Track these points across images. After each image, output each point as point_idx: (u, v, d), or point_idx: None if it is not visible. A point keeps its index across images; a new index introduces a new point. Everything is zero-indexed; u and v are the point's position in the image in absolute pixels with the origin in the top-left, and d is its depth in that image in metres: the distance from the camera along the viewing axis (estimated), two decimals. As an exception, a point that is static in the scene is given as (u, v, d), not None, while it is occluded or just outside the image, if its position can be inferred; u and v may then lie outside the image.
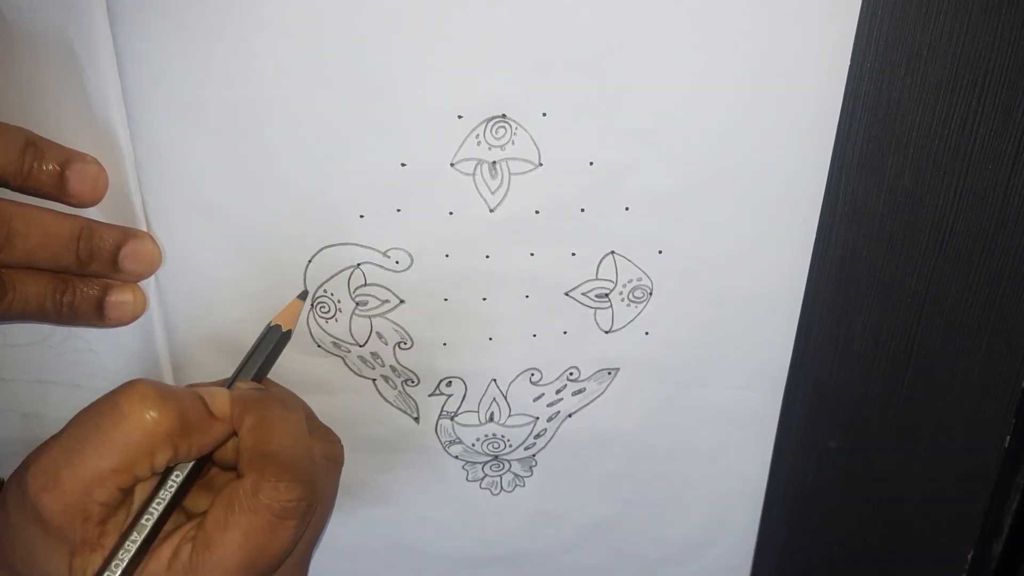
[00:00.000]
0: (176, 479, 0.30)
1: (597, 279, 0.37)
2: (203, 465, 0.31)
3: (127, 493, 0.29)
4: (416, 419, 0.40)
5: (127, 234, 0.34)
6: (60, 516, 0.27)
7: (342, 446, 0.33)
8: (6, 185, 0.31)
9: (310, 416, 0.33)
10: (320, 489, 0.30)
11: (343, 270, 0.36)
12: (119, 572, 0.28)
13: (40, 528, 0.27)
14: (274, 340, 0.34)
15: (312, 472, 0.29)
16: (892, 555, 0.45)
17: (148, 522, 0.29)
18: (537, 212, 0.35)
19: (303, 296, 0.35)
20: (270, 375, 0.35)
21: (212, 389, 0.31)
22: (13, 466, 0.41)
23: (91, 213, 0.33)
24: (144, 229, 0.34)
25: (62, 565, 0.28)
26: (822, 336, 0.39)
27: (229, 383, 0.33)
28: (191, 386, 0.33)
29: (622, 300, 0.37)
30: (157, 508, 0.29)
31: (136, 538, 0.28)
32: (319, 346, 0.37)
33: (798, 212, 0.36)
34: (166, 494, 0.29)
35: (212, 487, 0.32)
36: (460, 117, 0.33)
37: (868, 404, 0.41)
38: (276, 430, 0.29)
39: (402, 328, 0.37)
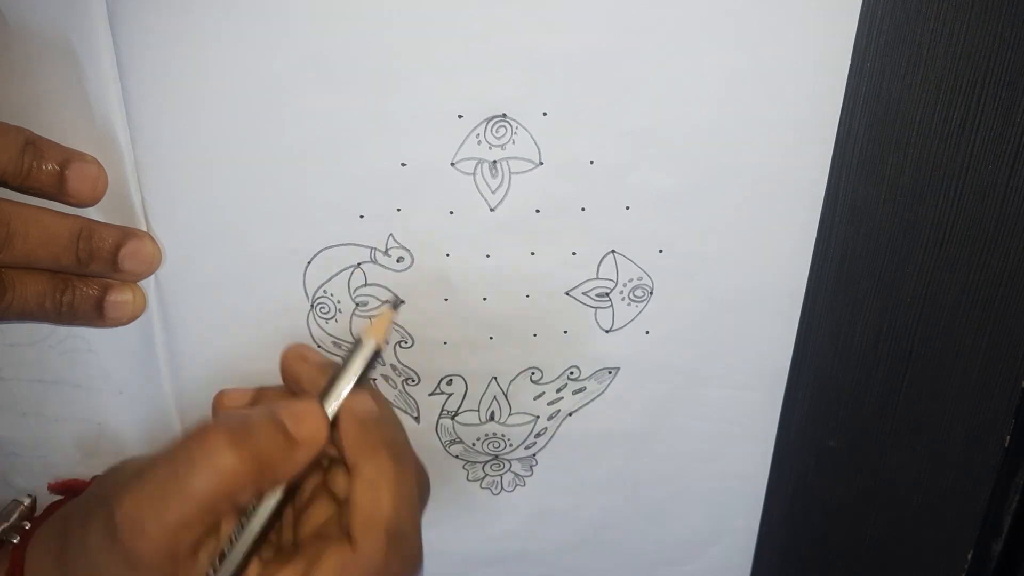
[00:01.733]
0: (260, 509, 0.29)
1: (597, 278, 0.37)
2: (296, 487, 0.30)
3: (216, 526, 0.28)
4: (416, 418, 0.40)
5: (127, 234, 0.34)
6: (149, 558, 0.27)
7: (428, 478, 0.32)
8: (5, 185, 0.31)
9: (415, 458, 0.31)
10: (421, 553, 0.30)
11: (343, 270, 0.36)
12: None
13: (130, 570, 0.27)
14: (368, 357, 0.29)
15: (419, 545, 0.29)
16: (892, 555, 0.45)
17: (238, 552, 0.28)
18: (537, 211, 0.35)
19: (395, 305, 0.31)
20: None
21: (300, 409, 0.28)
22: (13, 466, 0.42)
23: (91, 213, 0.33)
24: (144, 229, 0.34)
25: None
26: (822, 336, 0.39)
27: (324, 392, 0.29)
28: (265, 391, 0.31)
29: (622, 299, 0.37)
30: (239, 535, 0.28)
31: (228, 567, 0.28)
32: (319, 346, 0.37)
33: (798, 212, 0.36)
34: (250, 521, 0.29)
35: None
36: (460, 116, 0.33)
37: (868, 404, 0.41)
38: (393, 492, 0.28)
39: (402, 327, 0.37)
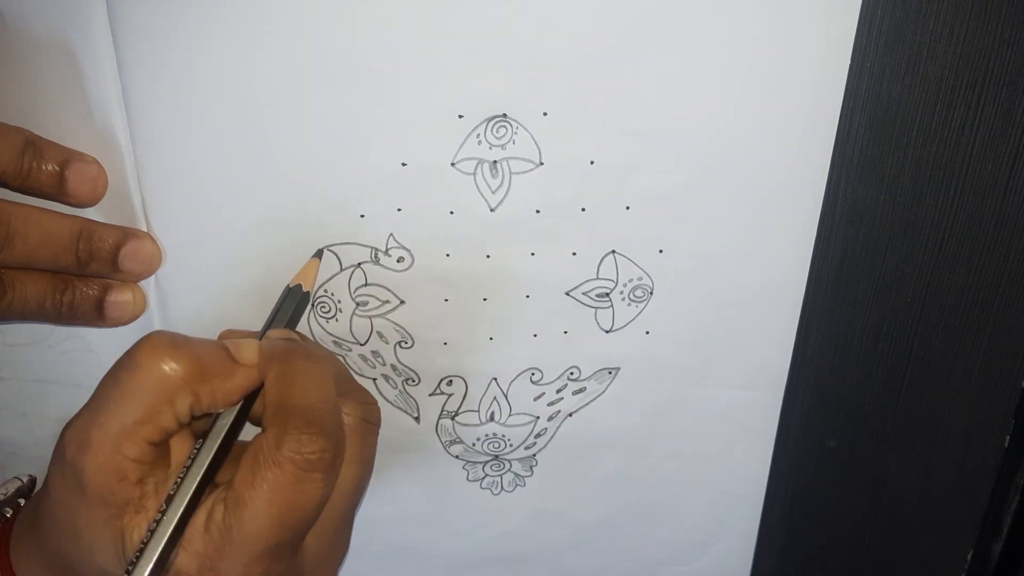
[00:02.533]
0: (214, 425, 0.29)
1: (598, 278, 0.37)
2: (242, 418, 0.30)
3: (159, 449, 0.28)
4: (416, 419, 0.40)
5: (127, 234, 0.34)
6: (96, 477, 0.27)
7: (378, 408, 0.33)
8: (5, 185, 0.31)
9: (343, 376, 0.32)
10: (355, 449, 0.30)
11: (343, 270, 0.36)
12: (168, 530, 0.27)
13: (81, 494, 0.27)
14: (295, 300, 0.33)
15: (336, 424, 0.29)
16: (892, 555, 0.45)
17: (185, 475, 0.28)
18: (538, 211, 0.35)
19: (319, 255, 0.35)
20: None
21: (240, 340, 0.31)
22: (13, 466, 0.42)
23: (90, 213, 0.33)
24: (144, 229, 0.34)
25: (106, 531, 0.28)
26: (822, 336, 0.39)
27: (260, 336, 0.32)
28: (222, 338, 0.33)
29: (623, 299, 0.37)
30: (193, 460, 0.29)
31: (175, 491, 0.28)
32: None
33: (798, 212, 0.36)
34: (202, 446, 0.29)
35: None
36: (461, 116, 0.33)
37: (868, 404, 0.41)
38: (299, 382, 0.29)
39: (403, 328, 0.37)
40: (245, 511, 0.27)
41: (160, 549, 0.27)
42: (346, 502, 0.30)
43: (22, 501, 0.35)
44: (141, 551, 0.27)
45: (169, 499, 0.28)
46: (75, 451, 0.27)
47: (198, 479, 0.28)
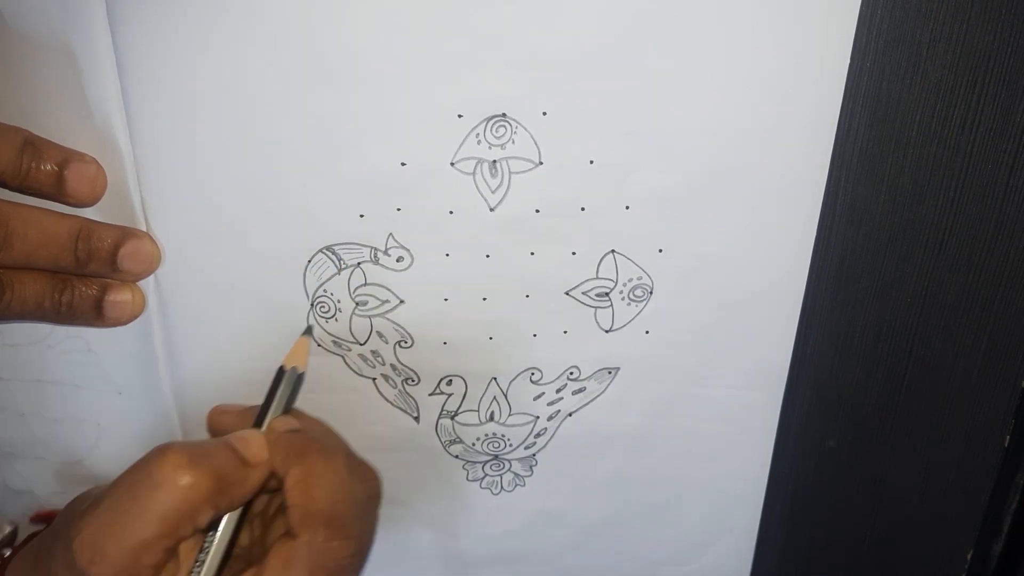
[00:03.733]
0: (221, 530, 0.30)
1: (597, 278, 0.37)
2: (248, 510, 0.31)
3: (173, 551, 0.29)
4: (416, 418, 0.40)
5: (126, 234, 0.34)
6: None
7: (380, 481, 0.33)
8: (4, 185, 0.31)
9: (348, 455, 0.33)
10: (368, 536, 0.31)
11: (343, 270, 0.36)
12: None
13: None
14: (291, 383, 0.33)
15: (361, 524, 0.30)
16: (892, 555, 0.45)
17: (201, 567, 0.29)
18: (537, 211, 0.35)
19: (308, 332, 0.35)
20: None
21: (245, 435, 0.31)
22: (12, 466, 0.42)
23: (90, 213, 0.33)
24: (144, 229, 0.34)
25: None
26: (822, 336, 0.39)
27: (257, 422, 0.32)
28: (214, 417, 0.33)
29: (622, 299, 0.37)
30: (207, 551, 0.29)
31: None
32: (319, 345, 0.37)
33: (798, 212, 0.36)
34: (215, 543, 0.30)
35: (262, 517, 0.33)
36: (460, 116, 0.33)
37: (868, 404, 0.41)
38: (322, 485, 0.29)
39: (402, 327, 0.37)
40: None
41: None
42: None
43: (7, 552, 0.35)
44: None
45: None
46: (88, 562, 0.27)
47: (215, 570, 0.29)
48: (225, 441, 0.30)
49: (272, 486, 0.31)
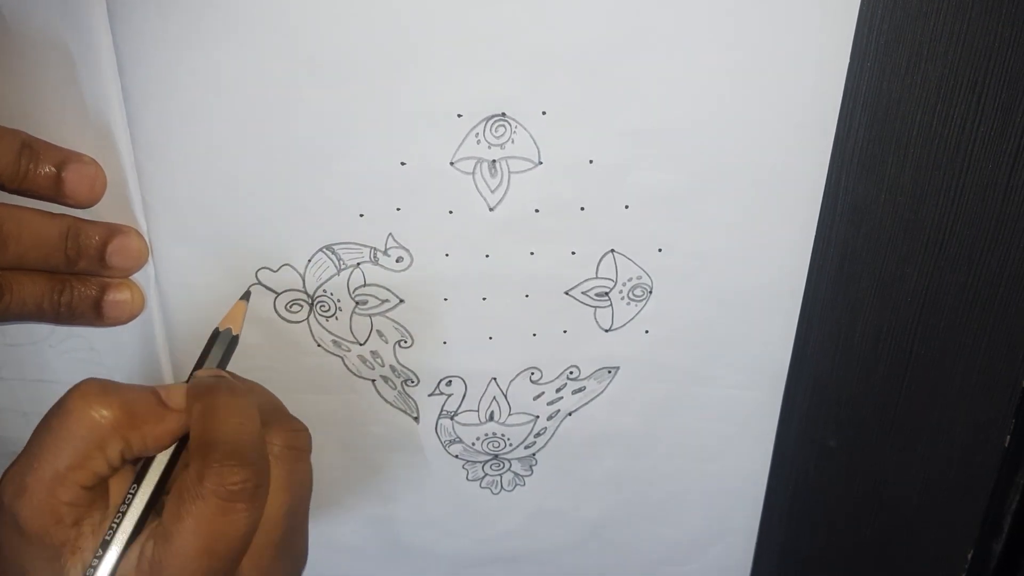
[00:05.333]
0: (148, 472, 0.30)
1: (597, 278, 0.37)
2: (175, 459, 0.31)
3: (95, 492, 0.29)
4: (416, 419, 0.40)
5: (112, 230, 0.34)
6: (33, 521, 0.28)
7: (308, 434, 0.33)
8: (2, 188, 0.31)
9: (272, 406, 0.33)
10: (283, 476, 0.30)
11: (343, 270, 0.36)
12: (105, 571, 0.28)
13: (21, 536, 0.28)
14: (224, 343, 0.33)
15: (257, 455, 0.29)
16: (892, 555, 0.45)
17: (123, 513, 0.29)
18: (537, 211, 0.35)
19: (246, 297, 0.35)
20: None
21: (171, 384, 0.31)
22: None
23: (91, 213, 0.33)
24: (144, 229, 0.34)
25: (48, 571, 0.28)
26: (822, 335, 0.39)
27: (188, 380, 0.32)
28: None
29: (622, 299, 0.37)
30: (131, 498, 0.29)
31: (111, 535, 0.29)
32: (319, 345, 0.37)
33: (798, 211, 0.36)
34: (140, 486, 0.30)
35: None
36: (460, 116, 0.33)
37: (868, 403, 0.41)
38: (220, 416, 0.29)
39: (402, 326, 0.37)
40: (173, 545, 0.28)
41: None
42: (279, 528, 0.31)
43: None
44: None
45: (105, 544, 0.29)
46: (11, 496, 0.28)
47: (133, 521, 0.29)
48: (147, 386, 0.30)
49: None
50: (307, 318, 0.37)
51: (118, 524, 0.29)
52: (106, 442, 0.28)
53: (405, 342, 0.38)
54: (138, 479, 0.30)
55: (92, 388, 0.29)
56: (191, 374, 0.32)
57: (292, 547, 0.32)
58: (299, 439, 0.32)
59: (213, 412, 0.29)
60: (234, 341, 0.33)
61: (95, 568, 0.28)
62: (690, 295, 0.37)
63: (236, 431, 0.29)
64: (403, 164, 0.33)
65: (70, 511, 0.28)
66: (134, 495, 0.29)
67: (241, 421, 0.29)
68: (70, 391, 0.29)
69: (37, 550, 0.28)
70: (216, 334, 0.33)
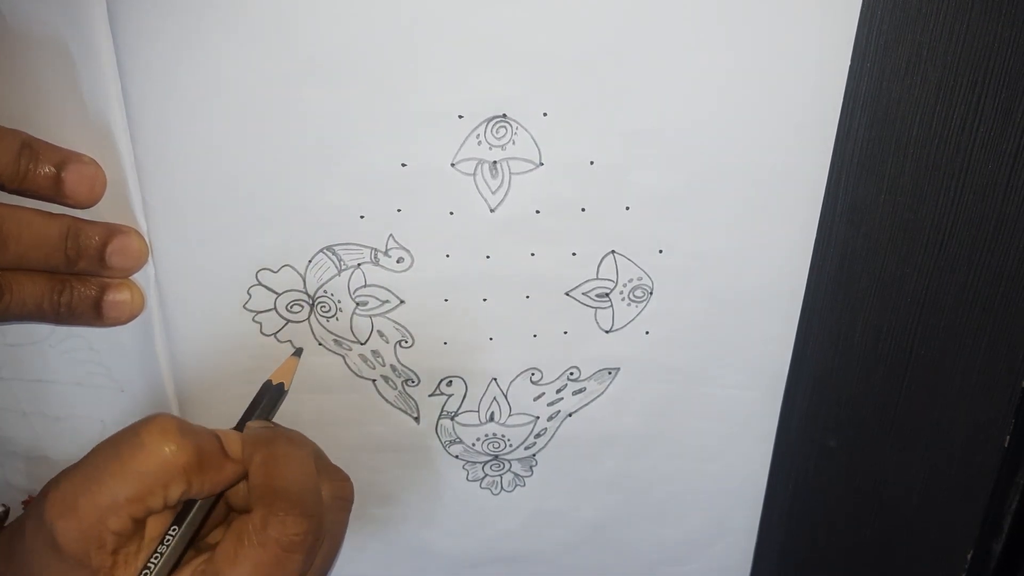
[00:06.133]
0: (192, 514, 0.31)
1: (597, 279, 0.37)
2: (215, 505, 0.32)
3: (138, 525, 0.29)
4: (416, 419, 0.40)
5: (112, 230, 0.34)
6: (75, 543, 0.28)
7: (352, 485, 0.34)
8: (2, 188, 0.31)
9: (319, 455, 0.34)
10: (328, 525, 0.31)
11: (343, 270, 0.36)
12: None
13: (55, 555, 0.28)
14: (275, 397, 0.35)
15: (318, 506, 0.30)
16: (892, 554, 0.45)
17: (163, 553, 0.30)
18: (537, 212, 0.35)
19: (298, 354, 0.36)
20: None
21: (226, 431, 0.32)
22: (12, 466, 0.42)
23: (91, 213, 0.33)
24: (144, 229, 0.34)
25: None
26: (822, 335, 0.39)
27: (238, 427, 0.33)
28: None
29: (622, 299, 0.37)
30: (172, 539, 0.30)
31: (151, 567, 0.29)
32: (320, 344, 0.37)
33: (798, 211, 0.36)
34: (182, 527, 0.30)
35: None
36: (461, 117, 0.33)
37: (868, 403, 0.41)
38: (283, 465, 0.30)
39: (403, 327, 0.37)
40: None
41: None
42: (317, 574, 0.31)
43: None
44: None
45: (141, 567, 0.29)
46: (56, 514, 0.28)
47: (171, 564, 0.30)
48: (211, 429, 0.31)
49: (243, 502, 0.32)
50: (307, 318, 0.37)
51: (156, 565, 0.29)
52: (172, 481, 0.29)
53: (406, 342, 0.38)
54: (178, 520, 0.30)
55: (170, 425, 0.29)
56: (240, 422, 0.33)
57: None
58: (345, 489, 0.33)
59: (275, 462, 0.30)
60: (282, 395, 0.35)
61: None
62: (691, 296, 0.37)
63: (299, 482, 0.30)
64: (404, 165, 0.33)
65: (113, 539, 0.28)
66: (175, 536, 0.30)
67: (303, 472, 0.30)
68: (146, 423, 0.29)
69: (71, 570, 0.28)
70: (268, 386, 0.35)
